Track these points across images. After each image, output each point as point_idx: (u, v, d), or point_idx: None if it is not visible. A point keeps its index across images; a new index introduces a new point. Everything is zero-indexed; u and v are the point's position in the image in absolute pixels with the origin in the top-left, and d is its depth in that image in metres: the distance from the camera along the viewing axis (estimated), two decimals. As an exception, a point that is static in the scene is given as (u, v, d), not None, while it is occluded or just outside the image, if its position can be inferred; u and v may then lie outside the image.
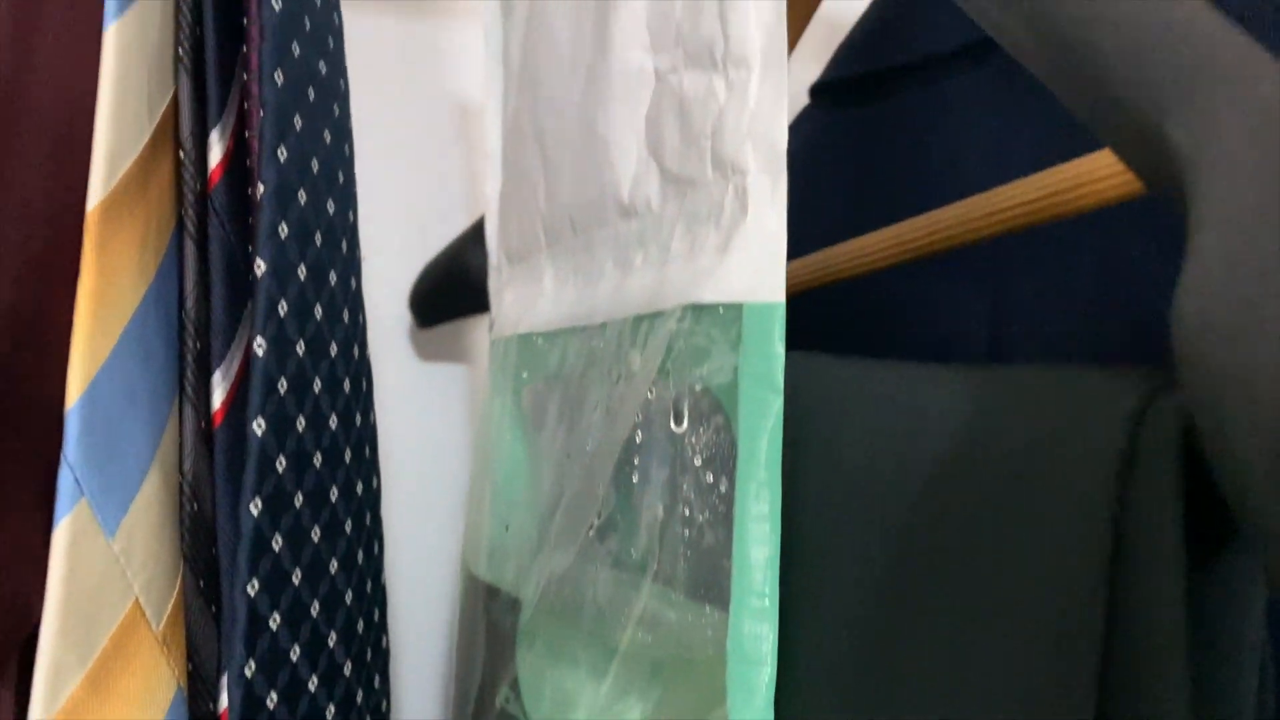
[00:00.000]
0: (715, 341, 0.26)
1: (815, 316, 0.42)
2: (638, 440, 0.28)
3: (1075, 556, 0.20)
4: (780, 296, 0.25)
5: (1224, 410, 0.14)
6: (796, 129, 0.49)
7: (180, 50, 0.29)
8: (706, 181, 0.27)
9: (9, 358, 0.23)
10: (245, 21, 0.30)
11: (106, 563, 0.24)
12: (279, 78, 0.29)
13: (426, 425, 0.63)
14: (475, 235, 0.52)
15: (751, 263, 0.25)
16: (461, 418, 0.64)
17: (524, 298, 0.39)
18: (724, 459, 0.25)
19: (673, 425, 0.27)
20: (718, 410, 0.26)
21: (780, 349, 0.25)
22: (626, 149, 0.31)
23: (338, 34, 0.33)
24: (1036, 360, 0.36)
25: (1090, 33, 0.19)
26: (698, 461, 0.26)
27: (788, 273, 0.37)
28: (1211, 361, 0.15)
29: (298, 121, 0.29)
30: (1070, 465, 0.20)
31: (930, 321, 0.39)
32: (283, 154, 0.28)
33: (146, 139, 0.27)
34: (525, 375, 0.38)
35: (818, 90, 0.48)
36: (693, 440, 0.26)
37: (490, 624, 0.36)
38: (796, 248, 0.46)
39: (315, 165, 0.30)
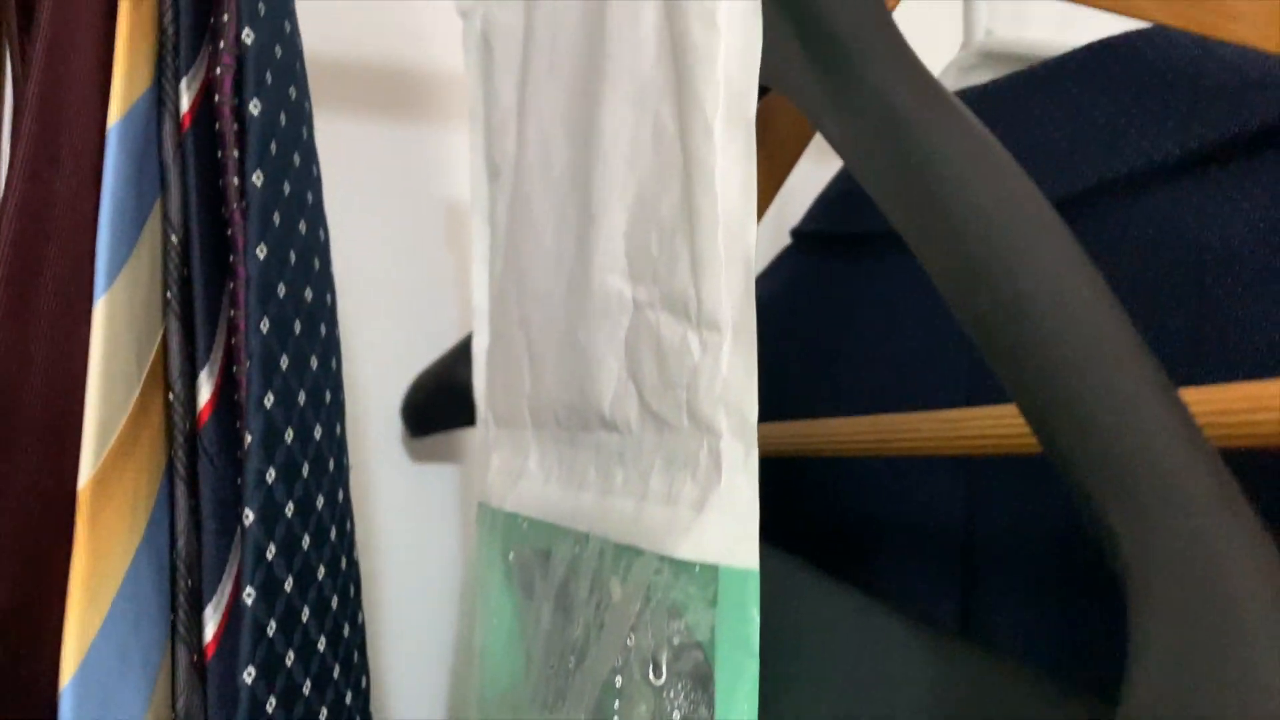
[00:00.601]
0: (692, 598, 0.27)
1: (794, 476, 0.43)
2: (618, 685, 0.29)
3: None
4: (754, 563, 0.26)
5: None
6: (778, 268, 0.50)
7: (169, 294, 0.30)
8: (683, 429, 0.28)
9: (6, 652, 0.24)
10: (231, 259, 0.31)
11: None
12: (264, 325, 0.29)
13: (419, 544, 0.63)
14: (464, 352, 0.53)
15: (726, 527, 0.26)
16: (456, 536, 0.64)
17: (510, 470, 0.40)
18: (703, 718, 0.26)
19: (651, 677, 0.27)
20: (695, 667, 0.27)
21: (755, 613, 0.26)
22: (607, 365, 0.32)
23: (324, 249, 0.34)
24: (1011, 541, 0.37)
25: (1078, 430, 0.20)
26: (676, 717, 0.27)
27: (768, 433, 0.38)
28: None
29: (283, 362, 0.30)
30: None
31: (907, 498, 0.40)
32: (269, 400, 0.29)
33: (136, 395, 0.28)
34: (512, 556, 0.39)
35: (799, 235, 0.48)
36: (671, 695, 0.27)
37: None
38: (773, 390, 0.47)
39: (301, 398, 0.31)
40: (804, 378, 0.46)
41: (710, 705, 0.26)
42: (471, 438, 0.65)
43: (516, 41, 0.40)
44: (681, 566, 0.27)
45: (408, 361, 0.63)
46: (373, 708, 0.35)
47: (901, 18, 0.39)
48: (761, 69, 0.30)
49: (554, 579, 0.35)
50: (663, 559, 0.28)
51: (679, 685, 0.27)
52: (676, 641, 0.27)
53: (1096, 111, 0.33)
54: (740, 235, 0.26)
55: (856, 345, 0.44)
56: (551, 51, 0.36)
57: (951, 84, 0.41)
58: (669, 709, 0.27)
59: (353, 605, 0.34)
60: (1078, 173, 0.33)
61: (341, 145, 0.62)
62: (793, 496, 0.45)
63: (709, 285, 0.27)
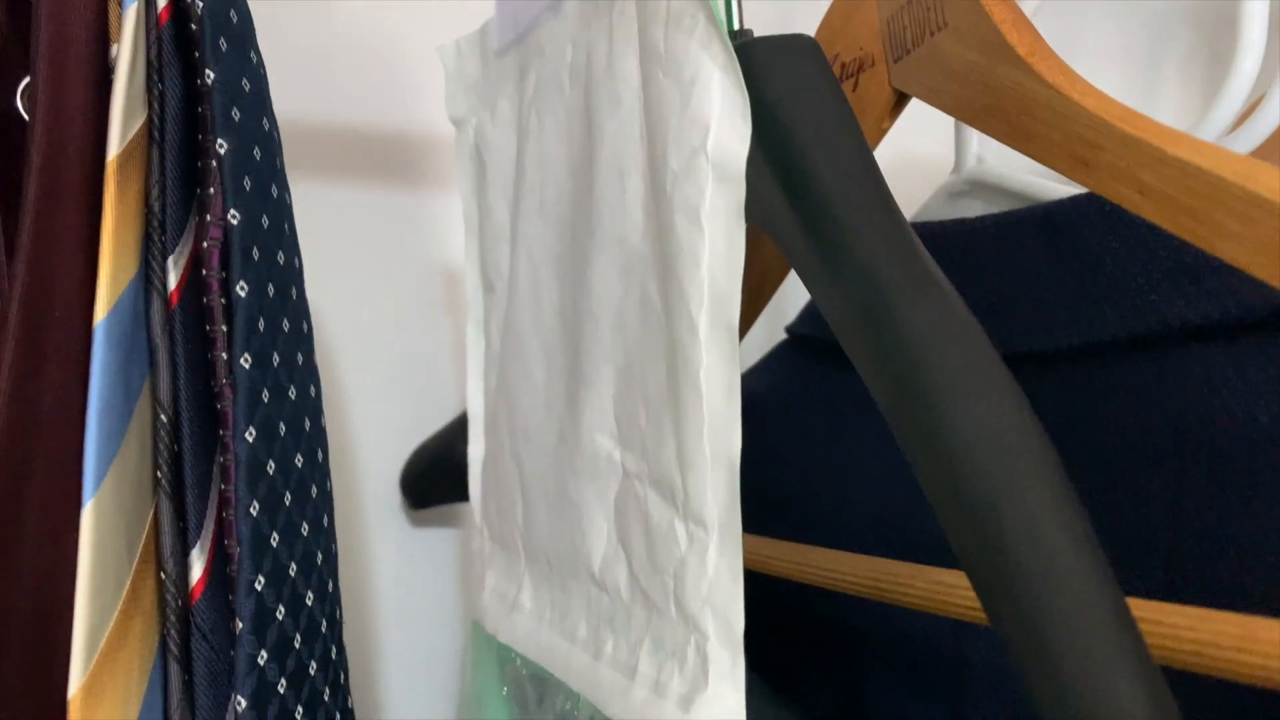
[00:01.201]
0: (679, 794, 0.27)
1: (788, 591, 0.43)
2: None
3: None
4: (743, 776, 0.26)
5: None
6: (773, 363, 0.50)
7: (159, 473, 0.30)
8: (671, 618, 0.28)
9: None
10: (221, 433, 0.31)
11: None
12: (254, 509, 0.29)
13: (418, 615, 0.64)
14: (461, 428, 0.53)
15: (713, 733, 0.26)
16: (457, 606, 0.65)
17: (505, 597, 0.40)
18: None
19: None
20: None
21: (742, 817, 0.26)
22: (598, 524, 0.32)
23: (314, 405, 0.34)
24: (999, 663, 0.37)
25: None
26: None
27: (763, 550, 0.38)
28: None
29: (274, 540, 0.30)
30: None
31: (898, 620, 0.40)
32: (259, 584, 0.29)
33: (126, 586, 0.28)
34: (508, 676, 0.39)
35: (793, 335, 0.48)
36: None
37: None
38: (767, 494, 0.47)
39: (292, 570, 0.31)
40: (798, 482, 0.46)
41: None
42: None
43: (509, 162, 0.40)
44: (669, 762, 0.27)
45: (407, 431, 0.63)
46: None
47: (896, 134, 0.39)
48: (755, 215, 0.30)
49: (549, 717, 0.35)
50: (651, 750, 0.28)
51: None
52: (665, 835, 0.27)
53: (1086, 268, 0.32)
54: (725, 438, 0.26)
55: (850, 454, 0.44)
56: (541, 193, 0.36)
57: (942, 207, 0.41)
58: None
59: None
60: (1066, 329, 0.33)
61: (338, 214, 0.62)
62: (785, 610, 0.45)
63: (695, 482, 0.27)
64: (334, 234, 0.62)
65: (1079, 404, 0.35)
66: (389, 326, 0.64)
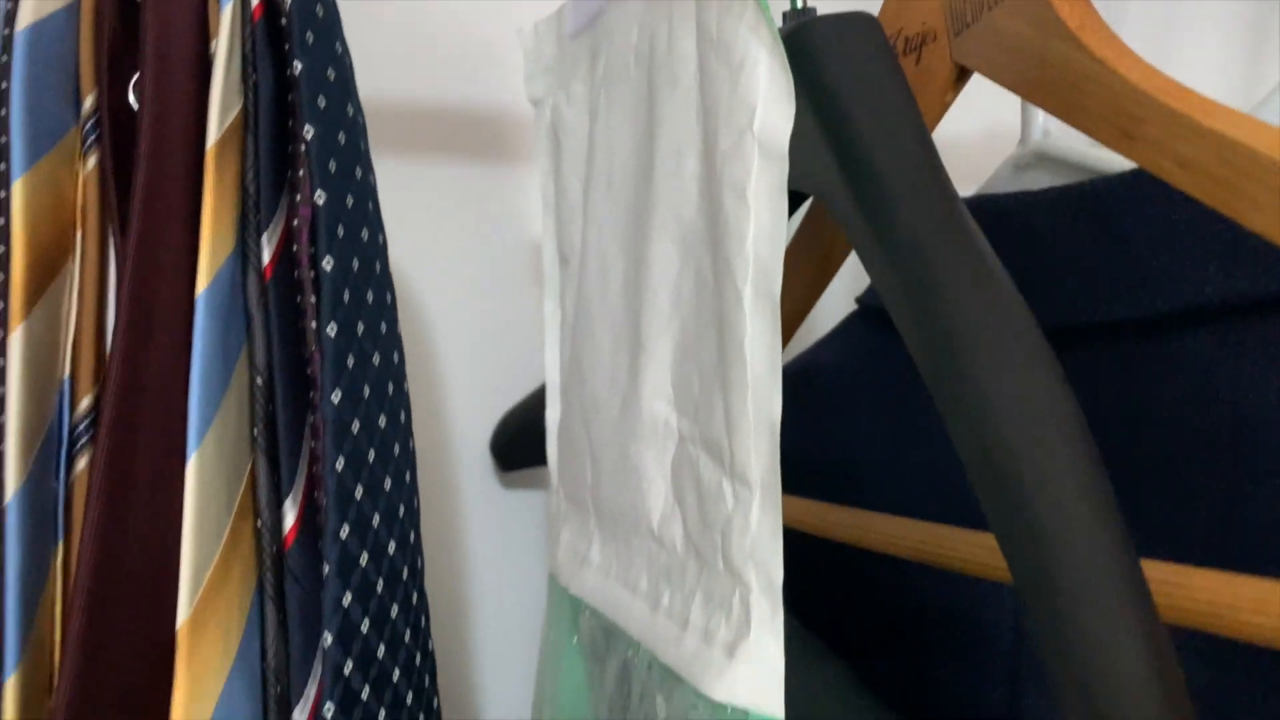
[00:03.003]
0: (724, 735, 0.29)
1: (851, 559, 0.44)
2: (658, 800, 0.31)
3: None
4: (779, 712, 0.28)
5: None
6: (843, 335, 0.51)
7: (255, 430, 0.33)
8: (719, 571, 0.30)
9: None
10: (312, 395, 0.33)
11: None
12: (339, 464, 0.32)
13: (508, 574, 0.67)
14: (542, 396, 0.55)
15: (755, 677, 0.28)
16: (543, 563, 0.68)
17: (577, 552, 0.42)
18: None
19: (688, 802, 0.30)
20: (727, 796, 0.29)
21: (780, 755, 0.28)
22: (656, 485, 0.34)
23: (397, 372, 0.37)
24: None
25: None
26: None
27: (820, 512, 0.40)
28: None
29: (358, 493, 0.33)
30: None
31: (959, 591, 0.41)
32: (344, 532, 0.32)
33: (226, 532, 0.31)
34: (580, 625, 0.41)
35: (865, 304, 0.49)
36: (705, 821, 0.29)
37: None
38: (834, 461, 0.49)
39: (375, 521, 0.34)
40: (864, 449, 0.47)
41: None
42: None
43: (582, 141, 0.42)
44: (716, 705, 0.29)
45: (496, 398, 0.66)
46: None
47: (964, 104, 0.40)
48: (807, 184, 0.32)
49: (614, 664, 0.37)
50: (699, 694, 0.30)
51: (712, 815, 0.29)
52: (711, 772, 0.29)
53: (1140, 243, 0.33)
54: (767, 402, 0.28)
55: (915, 421, 0.45)
56: (609, 172, 0.38)
57: (1008, 179, 0.41)
58: (702, 834, 0.29)
59: (428, 694, 0.38)
60: (1118, 302, 0.33)
61: (428, 191, 0.65)
62: (847, 579, 0.46)
63: (740, 443, 0.29)
64: (424, 210, 0.65)
65: (1136, 378, 0.35)
66: (477, 299, 0.67)
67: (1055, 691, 0.21)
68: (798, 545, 0.34)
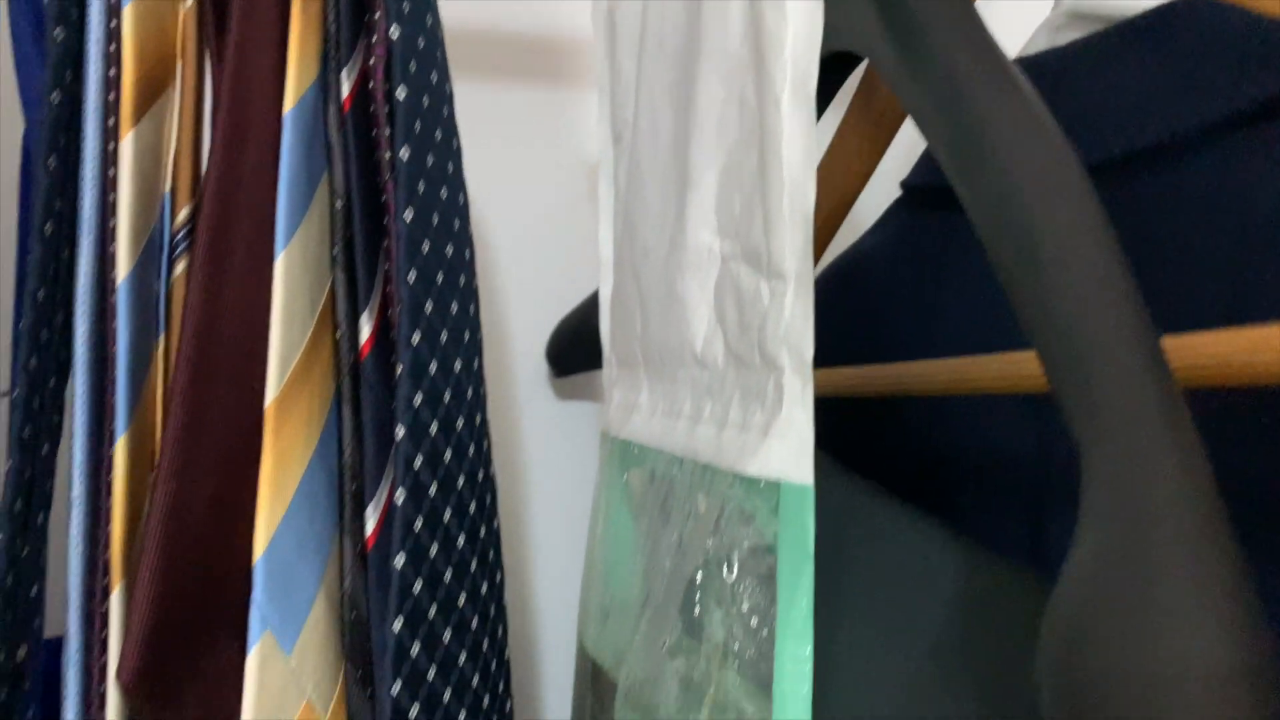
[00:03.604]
0: (759, 509, 0.31)
1: (879, 411, 0.47)
2: (698, 580, 0.33)
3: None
4: (810, 480, 0.30)
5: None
6: (887, 221, 0.53)
7: (335, 250, 0.36)
8: (756, 365, 0.33)
9: (213, 541, 0.31)
10: (386, 221, 0.37)
11: (285, 676, 0.32)
12: (411, 277, 0.35)
13: (560, 469, 0.70)
14: (595, 303, 0.58)
15: (787, 449, 0.31)
16: (591, 461, 0.71)
17: (627, 403, 0.45)
18: (766, 608, 0.31)
19: (725, 573, 0.32)
20: (761, 566, 0.31)
21: (811, 522, 0.30)
22: (700, 312, 0.37)
23: (463, 211, 0.40)
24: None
25: (1053, 346, 0.23)
26: (745, 607, 0.32)
27: (860, 375, 0.42)
28: (1064, 655, 0.19)
29: (428, 307, 0.36)
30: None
31: (984, 432, 0.43)
32: (415, 339, 0.35)
33: (309, 334, 0.34)
34: (627, 478, 0.44)
35: (908, 188, 0.51)
36: (741, 589, 0.32)
37: (595, 698, 0.43)
38: (875, 338, 0.51)
39: (444, 337, 0.37)
40: (907, 326, 0.49)
41: (773, 597, 0.30)
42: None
43: (636, 19, 0.44)
44: (751, 482, 0.32)
45: (553, 308, 0.69)
46: (507, 599, 0.41)
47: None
48: (848, 38, 0.34)
49: (658, 496, 0.40)
50: (736, 476, 0.32)
51: (748, 580, 0.31)
52: (746, 545, 0.32)
53: (1157, 73, 0.34)
54: (802, 196, 0.30)
55: (955, 292, 0.47)
56: (660, 30, 0.40)
57: (1044, 42, 0.43)
58: (739, 600, 0.32)
59: (489, 512, 0.40)
60: (1137, 132, 0.35)
61: (490, 112, 0.68)
62: (876, 429, 0.48)
63: (776, 240, 0.31)
64: (486, 133, 0.68)
65: (1147, 207, 0.37)
66: (536, 215, 0.70)
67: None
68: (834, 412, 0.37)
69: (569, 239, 0.71)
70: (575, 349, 0.66)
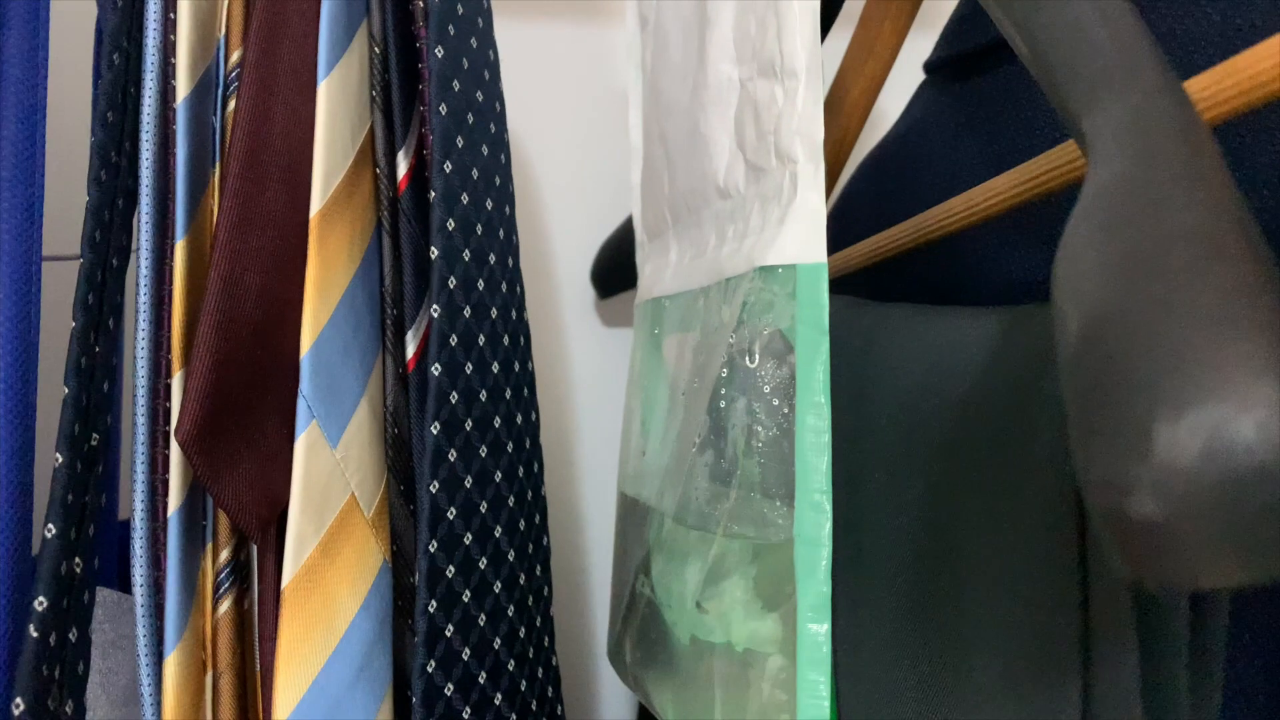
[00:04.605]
0: (777, 295, 0.33)
1: (895, 275, 0.48)
2: (724, 375, 0.35)
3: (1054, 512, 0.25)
4: (823, 258, 0.31)
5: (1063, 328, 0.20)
6: (911, 108, 0.54)
7: (373, 92, 0.39)
8: (772, 169, 0.34)
9: (263, 326, 0.33)
10: (419, 65, 0.39)
11: (331, 465, 0.34)
12: (442, 109, 0.37)
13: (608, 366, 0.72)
14: (629, 226, 0.60)
15: (802, 232, 0.32)
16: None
17: (657, 269, 0.47)
18: (786, 387, 0.32)
19: (748, 362, 0.34)
20: (781, 349, 0.33)
21: (825, 299, 0.31)
22: (721, 144, 0.38)
23: (493, 66, 0.42)
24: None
25: (1045, 46, 0.25)
26: (767, 389, 0.33)
27: (885, 238, 0.43)
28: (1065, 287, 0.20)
29: (459, 140, 0.38)
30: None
31: (1000, 277, 0.44)
32: (447, 167, 0.37)
33: (351, 161, 0.37)
34: (657, 331, 0.46)
35: (931, 67, 0.52)
36: (762, 373, 0.33)
37: (634, 527, 0.45)
38: (905, 213, 0.52)
39: (475, 173, 0.39)
40: (931, 192, 0.51)
41: (792, 376, 0.32)
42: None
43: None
44: (770, 272, 0.33)
45: (595, 233, 0.71)
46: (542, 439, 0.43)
47: None
48: None
49: (692, 328, 0.42)
50: (756, 271, 0.34)
51: (768, 364, 0.33)
52: (766, 333, 0.33)
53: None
54: (810, -3, 0.32)
55: (972, 153, 0.48)
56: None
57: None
58: (761, 384, 0.33)
59: (524, 355, 0.42)
60: None
61: (532, 48, 0.70)
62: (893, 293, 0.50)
63: (788, 42, 0.33)
64: (529, 67, 0.71)
65: None
66: (577, 143, 0.72)
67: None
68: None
69: (608, 165, 0.73)
70: (615, 270, 0.67)
